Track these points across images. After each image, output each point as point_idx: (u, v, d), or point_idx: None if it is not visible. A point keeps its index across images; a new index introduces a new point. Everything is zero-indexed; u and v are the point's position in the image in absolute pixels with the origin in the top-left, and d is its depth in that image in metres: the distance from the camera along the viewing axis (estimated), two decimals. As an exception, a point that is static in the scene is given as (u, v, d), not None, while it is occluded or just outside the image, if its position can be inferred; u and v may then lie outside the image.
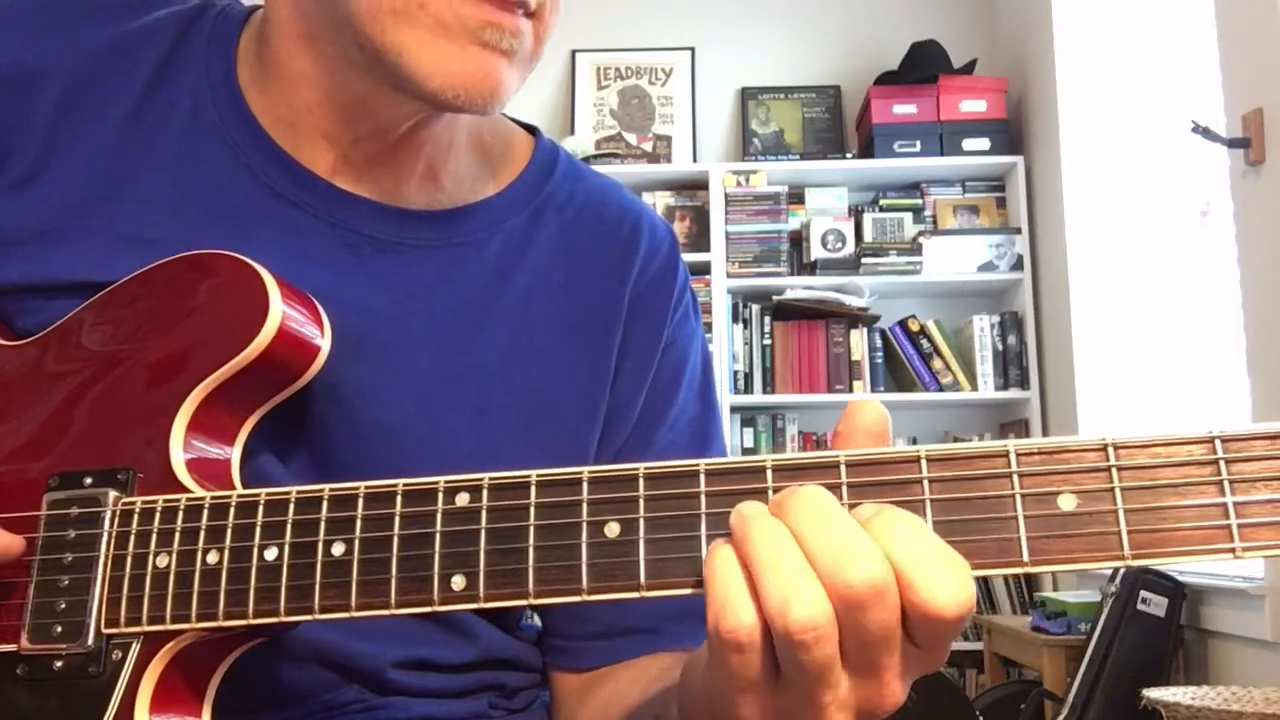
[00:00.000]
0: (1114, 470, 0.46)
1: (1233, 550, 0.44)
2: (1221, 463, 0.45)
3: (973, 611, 0.44)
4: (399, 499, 0.53)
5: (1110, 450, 0.46)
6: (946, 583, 0.43)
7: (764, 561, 0.44)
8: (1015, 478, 0.47)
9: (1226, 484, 0.45)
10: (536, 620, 0.82)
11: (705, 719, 0.52)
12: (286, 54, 0.71)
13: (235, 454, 0.65)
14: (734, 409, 3.60)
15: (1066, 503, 0.46)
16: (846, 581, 0.43)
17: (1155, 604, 2.56)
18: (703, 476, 0.50)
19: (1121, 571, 2.58)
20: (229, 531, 0.56)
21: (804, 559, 0.44)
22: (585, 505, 0.50)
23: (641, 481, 0.50)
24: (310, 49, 0.70)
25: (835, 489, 0.48)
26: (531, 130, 0.85)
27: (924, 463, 0.47)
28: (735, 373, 3.58)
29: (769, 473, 0.49)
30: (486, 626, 0.76)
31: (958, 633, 0.45)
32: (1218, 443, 0.45)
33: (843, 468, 0.48)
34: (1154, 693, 2.18)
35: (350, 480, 0.55)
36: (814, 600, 0.43)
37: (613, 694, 0.72)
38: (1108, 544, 0.45)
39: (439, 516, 0.52)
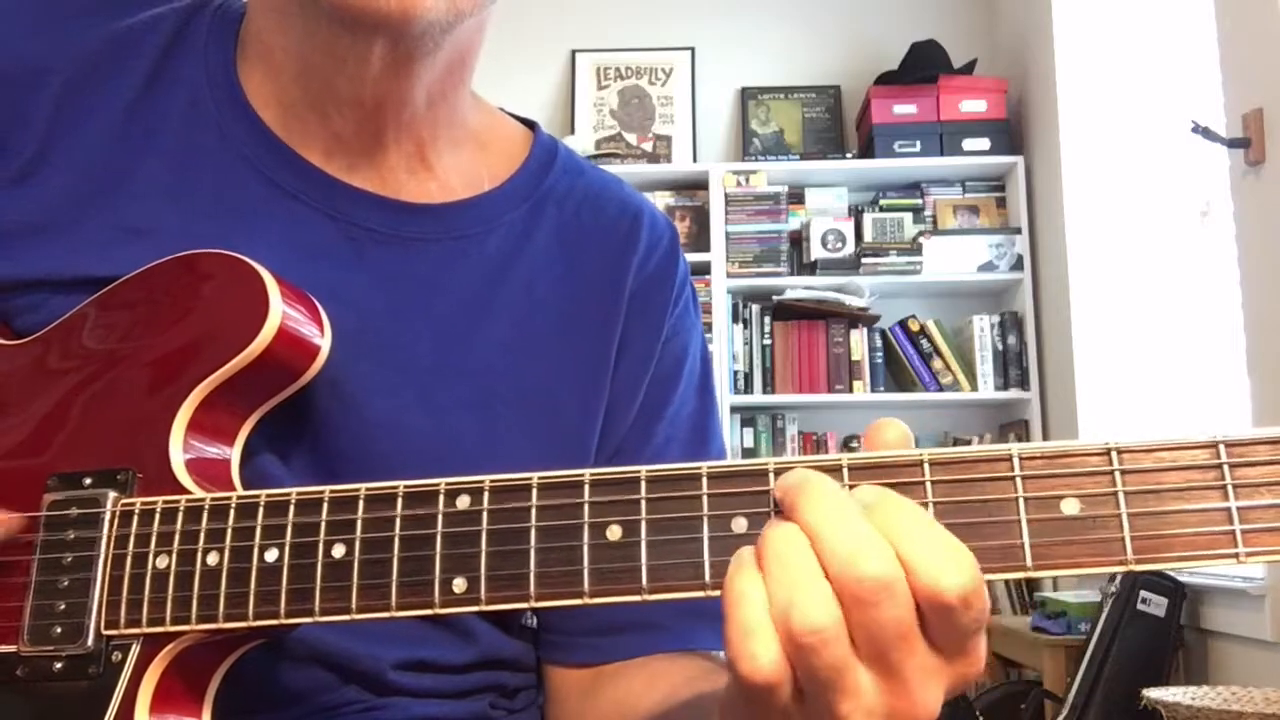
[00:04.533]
0: (1117, 474, 0.46)
1: (1236, 555, 0.44)
2: (1225, 467, 0.45)
3: (980, 601, 0.43)
4: (400, 501, 0.53)
5: (1113, 454, 0.46)
6: (949, 567, 0.42)
7: (771, 564, 0.44)
8: (1018, 481, 0.46)
9: (1230, 488, 0.45)
10: (534, 619, 0.82)
11: None
12: (264, 30, 0.72)
13: (235, 454, 0.65)
14: (734, 409, 3.60)
15: (1069, 507, 0.46)
16: (857, 577, 0.42)
17: (1155, 604, 2.56)
18: (705, 479, 0.49)
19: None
20: (229, 533, 0.56)
21: (813, 558, 0.43)
22: (587, 508, 0.50)
23: (643, 484, 0.50)
24: (279, 18, 0.71)
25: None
26: (531, 125, 0.85)
27: (927, 466, 0.47)
28: (735, 373, 3.58)
29: (771, 475, 0.48)
30: (487, 627, 0.76)
31: (973, 628, 0.44)
32: (1221, 447, 0.45)
33: (845, 470, 0.48)
34: (1154, 693, 2.18)
35: (353, 478, 0.55)
36: (818, 602, 0.43)
37: (626, 694, 0.72)
38: (1111, 548, 0.45)
39: (440, 519, 0.52)
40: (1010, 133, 3.68)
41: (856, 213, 3.71)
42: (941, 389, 3.56)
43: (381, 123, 0.73)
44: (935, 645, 0.44)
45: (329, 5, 0.64)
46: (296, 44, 0.70)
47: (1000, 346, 3.56)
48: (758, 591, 0.44)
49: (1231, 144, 2.38)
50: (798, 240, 3.68)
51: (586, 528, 0.50)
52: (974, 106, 3.68)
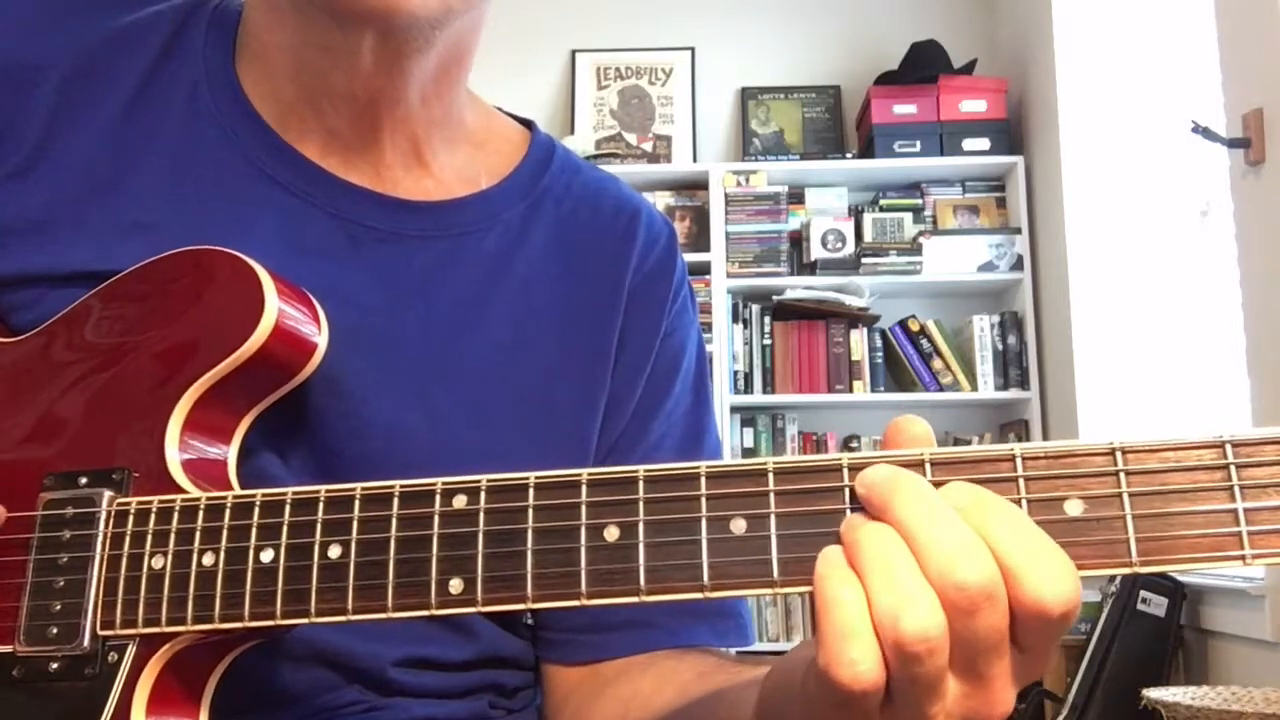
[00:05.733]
0: (1122, 475, 0.45)
1: (1243, 557, 0.43)
2: (1232, 468, 0.44)
3: (1079, 608, 0.42)
4: (396, 501, 0.53)
5: (1118, 455, 0.45)
6: (1054, 578, 0.42)
7: (873, 569, 0.43)
8: (1021, 482, 0.46)
9: (1237, 489, 0.44)
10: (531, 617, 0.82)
11: None
12: (261, 27, 0.73)
13: (232, 453, 0.64)
14: (734, 409, 3.60)
15: (1073, 508, 0.45)
16: (958, 584, 0.41)
17: (1155, 604, 2.56)
18: (703, 479, 0.49)
19: (1122, 572, 2.58)
20: (224, 533, 0.56)
21: (914, 561, 0.42)
22: (584, 508, 0.50)
23: (641, 484, 0.49)
24: (275, 15, 0.71)
25: (839, 493, 0.47)
26: (528, 124, 0.85)
27: (928, 466, 0.47)
28: (735, 373, 3.58)
29: (770, 475, 0.48)
30: (488, 625, 0.76)
31: (1064, 632, 0.43)
32: (1228, 447, 0.44)
33: (845, 471, 0.47)
34: (1154, 693, 2.18)
35: (350, 476, 0.55)
36: (927, 609, 0.42)
37: (633, 694, 0.71)
38: (1115, 550, 0.44)
39: (436, 519, 0.52)
40: (1010, 133, 3.68)
41: (856, 213, 3.70)
42: (941, 389, 3.56)
43: (375, 118, 0.73)
44: (1022, 648, 0.43)
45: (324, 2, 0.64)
46: (291, 40, 0.70)
47: (1000, 346, 3.56)
48: (855, 594, 0.43)
49: (1231, 144, 2.38)
50: (798, 240, 3.68)
51: (584, 528, 0.50)
52: (974, 106, 3.67)
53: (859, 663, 0.42)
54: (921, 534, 0.43)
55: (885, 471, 0.46)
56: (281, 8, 0.70)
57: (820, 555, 0.45)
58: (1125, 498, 0.45)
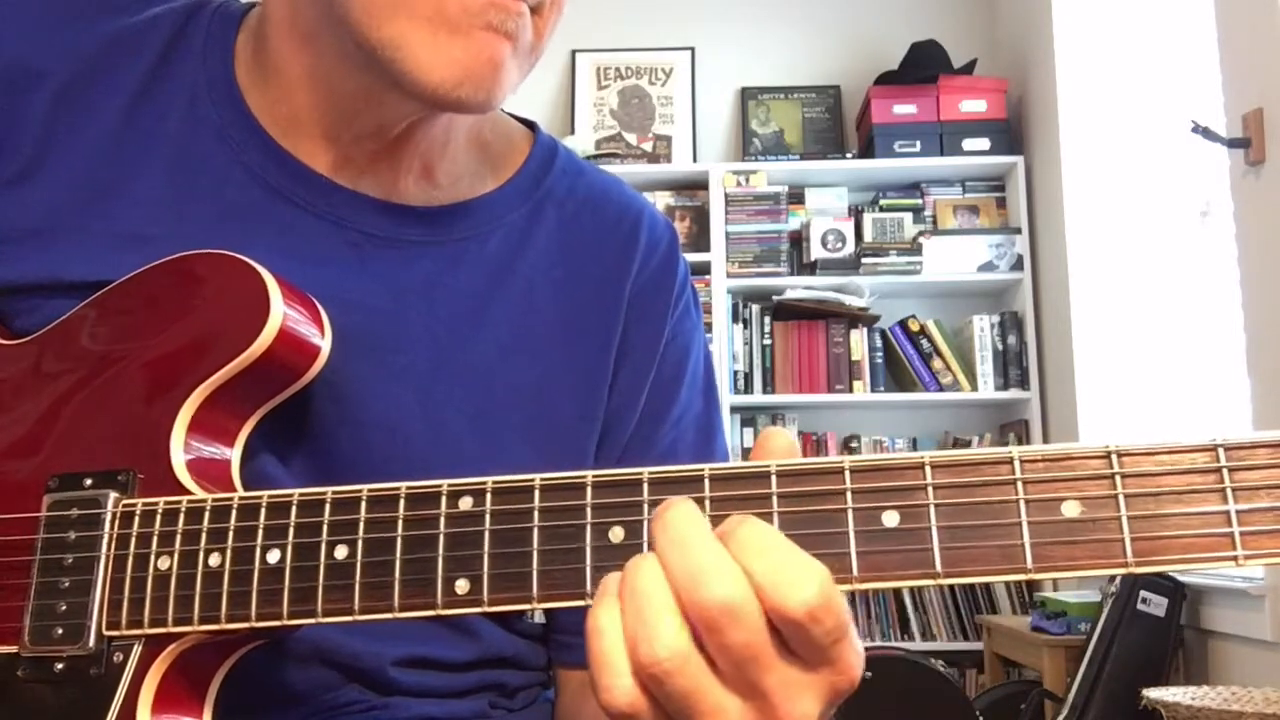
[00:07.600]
0: (1117, 477, 0.46)
1: (1235, 558, 0.44)
2: (1225, 470, 0.45)
3: (835, 614, 0.43)
4: (402, 502, 0.53)
5: (1114, 458, 0.46)
6: (794, 586, 0.43)
7: (628, 597, 0.45)
8: (1019, 484, 0.46)
9: (1230, 492, 0.45)
10: (540, 617, 0.82)
11: None
12: (285, 53, 0.71)
13: (235, 455, 0.65)
14: (734, 409, 3.60)
15: (1070, 510, 0.46)
16: (700, 602, 0.43)
17: (1155, 604, 2.56)
18: (707, 482, 0.49)
19: (1121, 572, 2.58)
20: (231, 534, 0.56)
21: (665, 587, 0.44)
22: (589, 509, 0.50)
23: (646, 486, 0.50)
24: (308, 47, 0.70)
25: (840, 496, 0.47)
26: (531, 126, 0.85)
27: (928, 469, 0.47)
28: (735, 373, 3.58)
29: (773, 478, 0.49)
30: (489, 625, 0.76)
31: (829, 640, 0.44)
32: (1221, 451, 0.45)
33: (847, 474, 0.48)
34: (1154, 693, 2.19)
35: (350, 480, 0.55)
36: (664, 633, 0.44)
37: None
38: (1111, 551, 0.45)
39: (442, 520, 0.52)
40: (1010, 133, 3.68)
41: (856, 213, 3.71)
42: (941, 389, 3.56)
43: (399, 152, 0.73)
44: (797, 658, 0.45)
45: (413, 87, 0.63)
46: (325, 75, 0.70)
47: (1000, 346, 3.56)
48: (614, 624, 0.45)
49: (1231, 144, 2.38)
50: (798, 240, 3.69)
51: (589, 529, 0.50)
52: (974, 106, 3.68)
53: (612, 688, 0.44)
54: (669, 556, 0.45)
55: (663, 504, 0.47)
56: (320, 44, 0.69)
57: (600, 584, 0.47)
58: (1121, 499, 0.46)
